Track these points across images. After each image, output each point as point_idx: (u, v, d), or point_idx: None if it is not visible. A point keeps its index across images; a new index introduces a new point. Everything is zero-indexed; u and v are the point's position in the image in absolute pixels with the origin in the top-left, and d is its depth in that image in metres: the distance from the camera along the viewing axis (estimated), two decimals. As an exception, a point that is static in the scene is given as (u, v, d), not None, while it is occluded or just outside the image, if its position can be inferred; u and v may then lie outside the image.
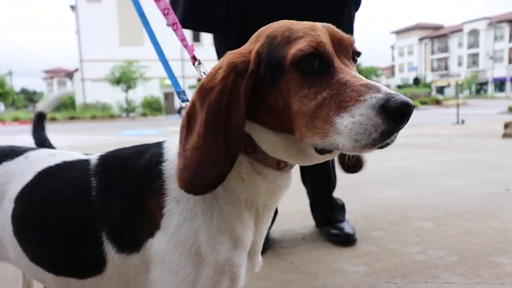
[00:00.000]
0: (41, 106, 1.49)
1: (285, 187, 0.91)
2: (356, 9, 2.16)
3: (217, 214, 0.83)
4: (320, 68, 0.75)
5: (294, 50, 0.75)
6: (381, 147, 0.72)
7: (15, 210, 0.94)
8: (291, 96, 0.76)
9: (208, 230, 0.81)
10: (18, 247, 0.94)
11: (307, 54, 0.74)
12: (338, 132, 0.70)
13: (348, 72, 0.76)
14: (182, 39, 1.16)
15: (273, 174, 0.86)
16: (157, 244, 0.81)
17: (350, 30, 2.11)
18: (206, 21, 2.00)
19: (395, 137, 0.71)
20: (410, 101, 0.68)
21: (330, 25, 0.82)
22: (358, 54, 0.84)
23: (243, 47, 0.84)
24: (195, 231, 0.80)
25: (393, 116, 0.67)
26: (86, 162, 0.95)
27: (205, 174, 0.75)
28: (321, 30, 0.78)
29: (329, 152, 0.78)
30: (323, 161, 0.85)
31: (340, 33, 0.82)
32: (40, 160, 1.00)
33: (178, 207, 0.82)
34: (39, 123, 1.45)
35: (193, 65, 1.11)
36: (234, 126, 0.76)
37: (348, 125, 0.69)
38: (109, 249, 0.85)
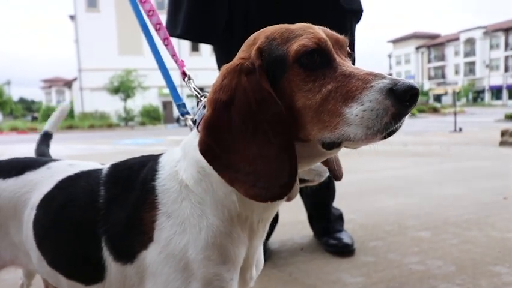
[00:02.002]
0: (48, 126, 1.57)
1: (281, 201, 0.87)
2: (357, 22, 2.17)
3: (206, 229, 0.82)
4: (322, 63, 0.76)
5: (296, 46, 0.76)
6: (388, 135, 0.72)
7: (37, 216, 1.00)
8: (295, 92, 0.76)
9: (196, 245, 0.81)
10: (38, 251, 0.99)
11: (311, 49, 0.75)
12: (348, 122, 0.70)
13: (350, 66, 0.77)
14: (173, 55, 1.17)
15: None
16: (150, 256, 0.83)
17: (351, 42, 2.13)
18: (208, 33, 2.01)
19: (403, 121, 0.72)
20: (415, 84, 0.70)
21: (323, 27, 0.84)
22: (350, 55, 0.86)
23: (238, 55, 0.84)
24: (183, 246, 0.81)
25: (402, 98, 0.68)
26: (99, 171, 1.00)
27: (277, 180, 0.74)
28: (318, 29, 0.81)
29: (338, 145, 0.76)
30: (330, 156, 0.85)
31: (335, 33, 0.84)
32: (61, 170, 1.06)
33: (168, 221, 0.84)
34: (44, 141, 1.50)
35: (183, 80, 1.12)
36: (276, 122, 0.74)
37: (358, 113, 0.70)
38: (107, 257, 0.88)
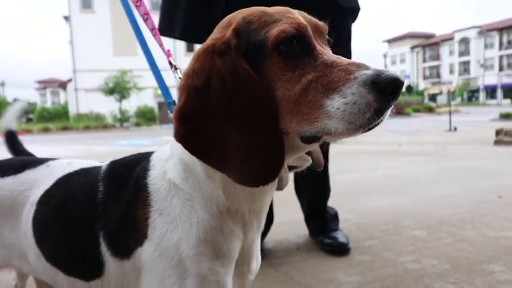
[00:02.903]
0: (6, 123, 1.49)
1: (270, 189, 0.86)
2: (354, 20, 2.18)
3: (196, 225, 0.82)
4: (302, 51, 0.72)
5: (276, 31, 0.71)
6: (370, 129, 0.69)
7: (36, 213, 1.01)
8: (274, 82, 0.71)
9: (188, 241, 0.81)
10: (36, 248, 1.00)
11: (290, 35, 0.70)
12: (329, 115, 0.67)
13: (331, 54, 0.73)
14: (161, 45, 1.16)
15: None
16: (145, 253, 0.84)
17: (348, 41, 2.13)
18: (206, 34, 2.01)
19: (386, 115, 0.69)
20: (399, 76, 0.66)
21: (302, 11, 0.80)
22: (329, 42, 0.82)
23: (211, 36, 0.78)
24: (176, 243, 0.82)
25: (385, 92, 0.65)
26: (98, 168, 1.01)
27: (263, 164, 0.71)
28: (297, 13, 0.76)
29: (317, 140, 0.73)
30: (307, 151, 0.83)
31: (314, 19, 0.80)
32: (60, 168, 1.07)
33: (160, 218, 0.84)
34: (14, 140, 1.45)
35: (171, 69, 1.11)
36: (258, 104, 0.71)
37: (340, 107, 0.66)
38: (105, 252, 0.89)
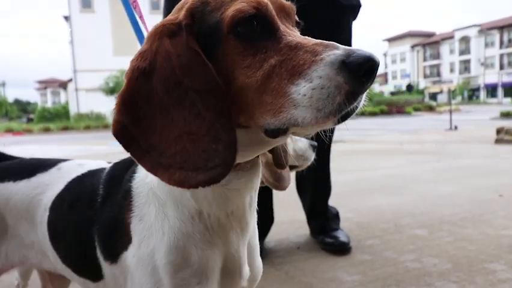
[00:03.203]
0: None
1: (248, 190, 0.78)
2: (354, 18, 2.17)
3: (168, 233, 0.78)
4: (263, 33, 0.64)
5: (231, 11, 0.63)
6: (343, 118, 0.61)
7: (49, 217, 1.02)
8: (232, 69, 0.64)
9: (160, 249, 0.79)
10: (54, 251, 1.02)
11: (249, 15, 0.62)
12: (295, 103, 0.59)
13: (298, 35, 0.65)
14: (140, 16, 1.17)
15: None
16: (129, 258, 0.83)
17: (349, 39, 2.12)
18: None
19: (360, 101, 0.61)
20: (373, 55, 0.58)
21: None
22: (299, 24, 0.74)
23: (166, 18, 0.70)
24: (150, 251, 0.80)
25: (357, 72, 0.57)
26: (102, 170, 1.01)
27: (208, 161, 0.62)
28: None
29: (283, 133, 0.64)
30: (274, 146, 0.75)
31: None
32: (70, 170, 1.08)
33: (140, 224, 0.82)
34: None
35: None
36: (208, 91, 0.63)
37: (306, 93, 0.58)
38: (100, 256, 0.90)
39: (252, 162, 0.76)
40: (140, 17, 1.20)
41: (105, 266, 0.89)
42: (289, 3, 0.71)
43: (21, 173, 1.10)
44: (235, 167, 0.73)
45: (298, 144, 1.15)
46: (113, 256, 0.86)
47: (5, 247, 1.09)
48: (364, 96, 0.61)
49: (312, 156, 1.15)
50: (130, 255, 0.82)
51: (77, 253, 0.97)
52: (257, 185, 0.80)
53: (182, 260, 0.78)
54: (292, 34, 0.65)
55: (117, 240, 0.85)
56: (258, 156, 0.78)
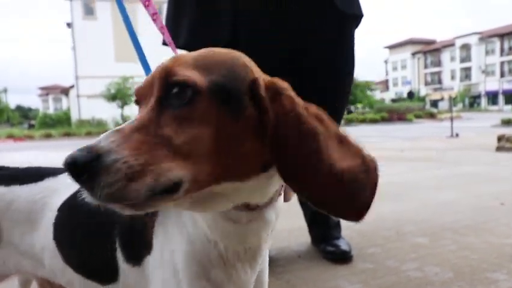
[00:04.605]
0: None
1: (266, 228, 0.79)
2: (356, 26, 2.18)
3: (186, 242, 0.80)
4: None
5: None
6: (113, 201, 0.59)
7: (57, 217, 1.02)
8: None
9: (179, 255, 0.80)
10: (56, 250, 1.01)
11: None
12: None
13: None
14: (161, 27, 1.18)
15: (244, 217, 0.74)
16: (152, 262, 0.85)
17: (351, 48, 2.13)
18: (212, 40, 2.00)
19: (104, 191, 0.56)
20: (71, 156, 0.57)
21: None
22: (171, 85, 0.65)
23: None
24: (169, 256, 0.81)
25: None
26: None
27: None
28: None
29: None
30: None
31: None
32: None
33: (162, 229, 0.85)
34: None
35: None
36: None
37: None
38: (120, 257, 0.90)
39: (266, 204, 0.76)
40: (161, 27, 1.20)
41: (125, 268, 0.89)
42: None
43: (29, 177, 1.10)
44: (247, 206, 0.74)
45: None
46: (136, 258, 0.87)
47: (1, 253, 1.08)
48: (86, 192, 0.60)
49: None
50: (152, 259, 0.84)
51: (91, 255, 0.97)
52: (274, 223, 0.81)
53: (201, 270, 0.79)
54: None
55: (139, 242, 0.86)
56: (273, 197, 0.78)
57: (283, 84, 0.70)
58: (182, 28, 1.96)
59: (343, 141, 0.70)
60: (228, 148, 0.63)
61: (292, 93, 0.69)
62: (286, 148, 0.64)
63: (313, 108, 0.71)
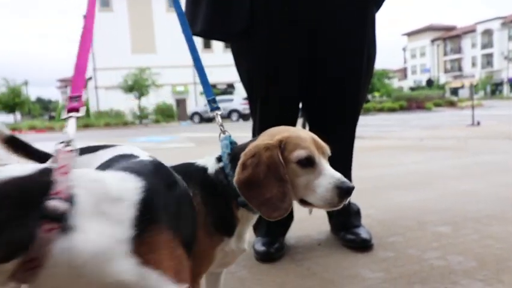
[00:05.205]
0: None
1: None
2: (377, 10, 2.14)
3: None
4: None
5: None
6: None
7: None
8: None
9: None
10: None
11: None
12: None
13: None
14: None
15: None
16: None
17: (372, 32, 2.09)
18: (229, 27, 1.99)
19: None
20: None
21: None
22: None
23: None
24: None
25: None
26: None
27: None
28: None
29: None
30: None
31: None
32: None
33: None
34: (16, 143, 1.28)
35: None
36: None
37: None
38: None
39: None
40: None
41: None
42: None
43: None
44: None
45: (319, 188, 1.11)
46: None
47: None
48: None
49: (336, 200, 1.10)
50: None
51: None
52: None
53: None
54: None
55: None
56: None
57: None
58: (200, 15, 1.96)
59: None
60: None
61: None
62: None
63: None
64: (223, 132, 1.26)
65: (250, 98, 2.16)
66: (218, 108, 1.36)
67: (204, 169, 1.19)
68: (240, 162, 1.10)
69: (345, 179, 1.10)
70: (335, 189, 1.08)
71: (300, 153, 1.11)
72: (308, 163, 1.12)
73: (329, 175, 1.11)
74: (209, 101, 1.34)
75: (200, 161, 1.22)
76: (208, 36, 2.11)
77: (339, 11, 1.98)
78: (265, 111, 2.08)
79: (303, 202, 1.16)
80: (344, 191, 1.08)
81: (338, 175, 1.11)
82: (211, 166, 1.19)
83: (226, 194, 1.16)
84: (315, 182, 1.11)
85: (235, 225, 1.17)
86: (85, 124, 27.05)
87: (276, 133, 1.17)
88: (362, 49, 2.06)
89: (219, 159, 1.19)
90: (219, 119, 1.34)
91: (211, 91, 1.34)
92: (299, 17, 1.94)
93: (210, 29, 1.96)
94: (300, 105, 2.22)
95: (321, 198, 1.10)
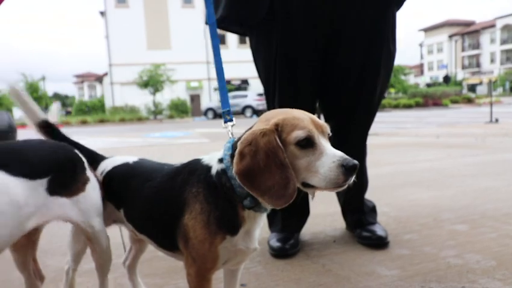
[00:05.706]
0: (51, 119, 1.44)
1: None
2: (398, 8, 2.12)
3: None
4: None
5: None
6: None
7: None
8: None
9: None
10: None
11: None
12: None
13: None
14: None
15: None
16: None
17: (393, 30, 2.08)
18: (249, 15, 1.98)
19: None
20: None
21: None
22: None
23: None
24: None
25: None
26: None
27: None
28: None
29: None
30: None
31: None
32: None
33: None
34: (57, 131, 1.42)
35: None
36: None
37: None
38: None
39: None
40: None
41: None
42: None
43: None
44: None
45: (322, 168, 1.06)
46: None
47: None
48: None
49: (342, 179, 1.05)
50: None
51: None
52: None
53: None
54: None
55: None
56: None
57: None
58: (220, 2, 1.97)
59: None
60: None
61: None
62: None
63: None
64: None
65: (267, 91, 2.16)
66: (231, 120, 1.40)
67: (208, 168, 1.19)
68: (237, 151, 1.07)
69: (347, 156, 1.04)
70: (339, 167, 1.02)
71: (298, 134, 1.06)
72: (308, 144, 1.07)
73: (331, 154, 1.05)
74: (223, 113, 1.38)
75: (206, 158, 1.23)
76: (227, 24, 2.09)
77: (360, 4, 1.96)
78: (282, 102, 2.07)
79: (305, 185, 1.10)
80: (350, 169, 1.02)
81: (340, 153, 1.05)
82: (214, 166, 1.18)
83: (229, 197, 1.14)
84: (317, 162, 1.05)
85: (239, 224, 1.15)
86: (100, 119, 27.43)
87: (272, 117, 1.12)
88: (382, 42, 2.04)
89: (221, 160, 1.18)
90: (230, 130, 1.36)
91: (227, 102, 1.38)
92: (319, 8, 1.93)
93: (229, 16, 1.96)
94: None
95: (325, 179, 1.04)
